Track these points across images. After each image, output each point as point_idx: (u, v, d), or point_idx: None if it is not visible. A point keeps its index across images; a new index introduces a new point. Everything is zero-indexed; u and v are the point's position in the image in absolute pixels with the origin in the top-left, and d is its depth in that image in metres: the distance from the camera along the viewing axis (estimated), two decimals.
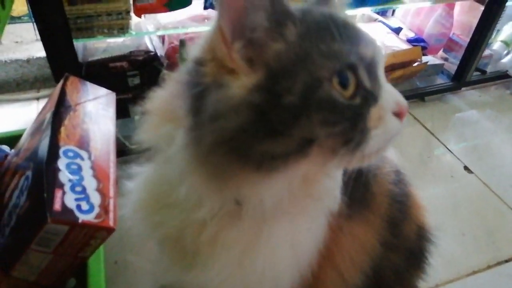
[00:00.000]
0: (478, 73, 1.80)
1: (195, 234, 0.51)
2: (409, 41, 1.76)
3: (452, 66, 1.79)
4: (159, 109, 0.50)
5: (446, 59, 1.84)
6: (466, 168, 1.41)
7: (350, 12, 1.36)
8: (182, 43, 1.26)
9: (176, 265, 0.58)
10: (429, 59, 1.75)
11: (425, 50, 1.76)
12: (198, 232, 0.51)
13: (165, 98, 0.50)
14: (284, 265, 0.52)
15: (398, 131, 0.44)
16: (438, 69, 1.79)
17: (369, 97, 0.43)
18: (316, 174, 0.49)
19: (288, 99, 0.40)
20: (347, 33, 0.43)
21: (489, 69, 1.83)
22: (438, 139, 1.53)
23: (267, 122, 0.40)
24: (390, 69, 1.59)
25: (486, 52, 1.75)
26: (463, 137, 1.58)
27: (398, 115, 0.44)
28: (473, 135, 1.59)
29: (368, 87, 0.43)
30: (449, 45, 1.82)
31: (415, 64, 1.66)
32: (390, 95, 0.44)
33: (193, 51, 0.46)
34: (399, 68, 1.60)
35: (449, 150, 1.49)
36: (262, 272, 0.51)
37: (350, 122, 0.42)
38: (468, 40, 1.68)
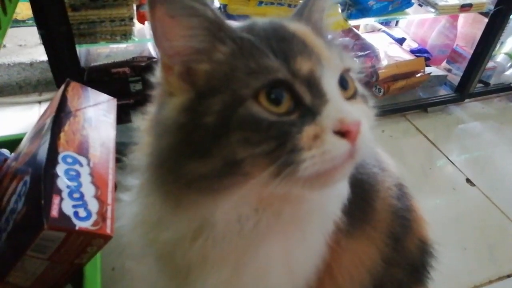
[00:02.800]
0: (481, 85, 1.79)
1: (184, 252, 0.51)
2: (412, 51, 1.76)
3: (455, 78, 1.78)
4: (149, 127, 0.50)
5: (449, 70, 1.84)
6: (468, 180, 1.40)
7: (353, 22, 1.36)
8: None
9: (172, 281, 0.58)
10: (432, 70, 1.75)
11: (428, 61, 1.76)
12: (186, 250, 0.51)
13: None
14: (277, 281, 0.52)
15: (343, 153, 0.38)
16: (441, 80, 1.78)
17: (307, 114, 0.39)
18: (285, 194, 0.44)
19: (207, 119, 0.40)
20: (285, 47, 0.41)
21: (493, 81, 1.83)
22: (440, 151, 1.52)
23: (191, 143, 0.41)
24: (393, 79, 1.58)
25: (490, 64, 1.75)
26: (466, 149, 1.57)
27: (345, 134, 0.38)
28: (475, 147, 1.58)
29: (308, 103, 0.40)
30: (453, 56, 1.82)
31: (418, 75, 1.66)
32: (333, 112, 0.39)
33: (157, 74, 0.48)
34: (402, 79, 1.60)
35: (451, 161, 1.48)
36: None
37: (275, 141, 0.38)
38: (471, 51, 1.68)
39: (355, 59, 0.49)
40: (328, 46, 0.44)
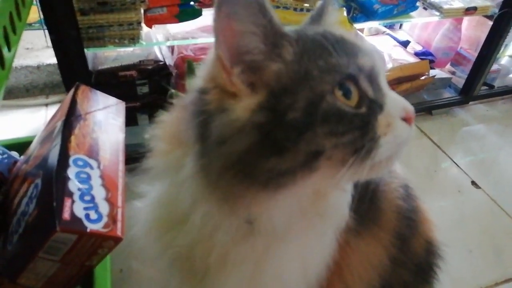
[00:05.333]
0: (485, 87, 1.79)
1: (204, 254, 0.52)
2: (417, 54, 1.76)
3: (459, 80, 1.79)
4: (167, 135, 0.50)
5: (453, 73, 1.84)
6: (473, 183, 1.40)
7: (358, 26, 1.37)
8: (190, 65, 1.25)
9: (186, 284, 0.58)
10: (437, 72, 1.75)
11: (432, 63, 1.76)
12: (207, 251, 0.51)
13: (172, 124, 0.51)
14: (293, 280, 0.53)
15: (408, 136, 0.45)
16: (445, 83, 1.79)
17: (374, 106, 0.44)
18: (325, 189, 0.49)
19: (292, 116, 0.41)
20: (343, 47, 0.44)
21: (497, 84, 1.83)
22: (445, 153, 1.52)
23: (273, 140, 0.41)
24: (397, 82, 1.59)
25: (494, 66, 1.75)
26: (470, 151, 1.57)
27: (406, 120, 0.45)
28: (480, 149, 1.59)
29: (371, 96, 0.44)
30: (457, 59, 1.82)
31: (423, 78, 1.66)
32: (396, 102, 0.45)
33: (196, 82, 0.47)
34: (406, 81, 1.60)
35: (456, 164, 1.48)
36: None
37: (359, 131, 0.42)
38: (475, 54, 1.68)
39: None
40: None
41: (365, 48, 0.46)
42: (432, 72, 1.71)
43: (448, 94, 1.77)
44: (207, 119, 0.44)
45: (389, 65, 1.60)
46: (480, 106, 1.83)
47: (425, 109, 1.70)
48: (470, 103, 1.79)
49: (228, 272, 0.52)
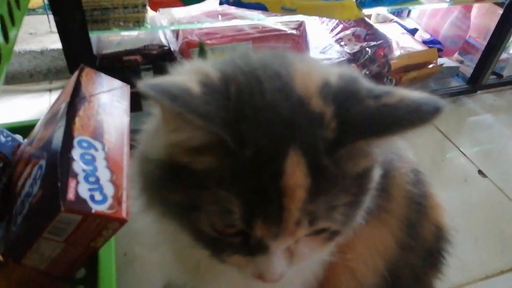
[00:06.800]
0: (494, 76, 1.77)
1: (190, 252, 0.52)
2: (425, 42, 1.74)
3: (467, 69, 1.76)
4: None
5: (461, 62, 1.82)
6: (480, 172, 1.39)
7: (366, 11, 1.35)
8: (202, 47, 1.24)
9: (187, 273, 0.58)
10: (445, 61, 1.73)
11: (440, 52, 1.74)
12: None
13: None
14: (289, 282, 0.52)
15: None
16: (453, 72, 1.76)
17: (245, 246, 0.41)
18: None
19: (170, 196, 0.42)
20: (257, 199, 0.37)
21: (506, 73, 1.80)
22: (452, 142, 1.51)
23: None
24: (405, 70, 1.57)
25: (503, 55, 1.72)
26: (478, 141, 1.55)
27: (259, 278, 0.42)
28: (487, 139, 1.57)
29: (251, 242, 0.40)
30: (465, 47, 1.80)
31: (430, 66, 1.64)
32: (261, 265, 0.41)
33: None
34: (414, 70, 1.59)
35: (463, 153, 1.46)
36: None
37: (211, 249, 0.43)
38: (484, 43, 1.65)
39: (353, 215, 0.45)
40: (312, 207, 0.38)
41: (281, 220, 0.37)
42: (440, 61, 1.68)
43: (455, 83, 1.75)
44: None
45: (397, 53, 1.58)
46: (488, 96, 1.81)
47: None
48: (478, 92, 1.77)
49: (217, 274, 0.53)
